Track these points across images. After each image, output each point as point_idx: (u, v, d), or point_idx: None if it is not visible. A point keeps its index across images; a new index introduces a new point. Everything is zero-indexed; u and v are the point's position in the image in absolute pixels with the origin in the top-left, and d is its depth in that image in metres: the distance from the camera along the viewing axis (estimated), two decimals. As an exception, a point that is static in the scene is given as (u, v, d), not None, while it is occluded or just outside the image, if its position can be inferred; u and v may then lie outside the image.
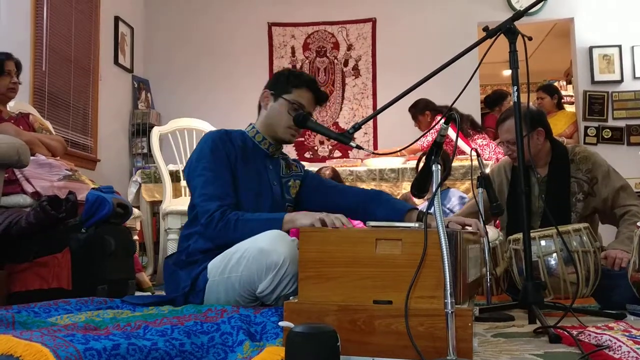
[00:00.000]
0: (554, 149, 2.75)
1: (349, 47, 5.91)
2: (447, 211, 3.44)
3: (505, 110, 2.91)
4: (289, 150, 5.34)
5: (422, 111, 4.62)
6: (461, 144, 4.19)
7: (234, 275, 1.84)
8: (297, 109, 2.10)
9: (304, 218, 1.85)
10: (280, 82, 2.15)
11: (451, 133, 4.20)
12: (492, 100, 5.53)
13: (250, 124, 2.20)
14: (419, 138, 2.50)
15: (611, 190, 2.65)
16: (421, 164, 3.32)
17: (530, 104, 3.65)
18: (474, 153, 2.46)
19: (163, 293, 2.18)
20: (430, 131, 4.20)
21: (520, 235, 2.43)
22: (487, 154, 4.35)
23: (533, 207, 2.73)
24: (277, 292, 1.78)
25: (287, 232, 1.90)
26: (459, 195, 3.58)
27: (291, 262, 1.75)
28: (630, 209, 2.61)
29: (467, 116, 4.54)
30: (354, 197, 2.19)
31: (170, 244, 3.70)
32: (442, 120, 1.66)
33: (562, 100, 5.86)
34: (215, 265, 1.90)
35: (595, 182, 2.67)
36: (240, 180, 2.03)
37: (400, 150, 2.18)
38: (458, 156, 4.04)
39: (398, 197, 3.81)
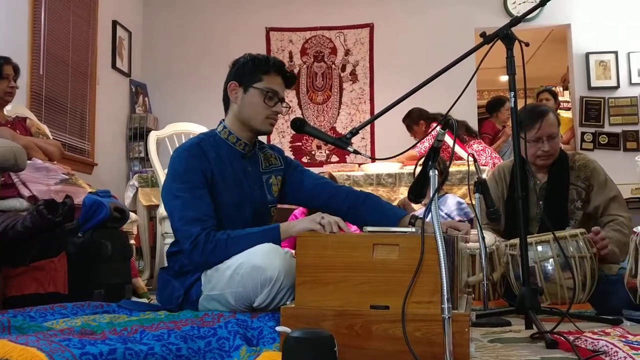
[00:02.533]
0: None
1: (347, 52, 5.92)
2: (445, 216, 3.44)
3: (537, 105, 2.84)
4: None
5: (416, 121, 4.64)
6: (458, 149, 4.20)
7: (228, 291, 1.81)
8: (272, 97, 2.01)
9: (300, 224, 1.82)
10: (246, 71, 2.02)
11: (447, 139, 4.22)
12: (491, 106, 5.54)
13: (221, 122, 2.10)
14: (416, 143, 2.51)
15: (604, 199, 2.66)
16: (419, 168, 3.32)
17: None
18: (470, 158, 2.46)
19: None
20: (427, 137, 4.21)
21: (516, 241, 2.44)
22: (483, 159, 4.36)
23: (531, 213, 2.73)
24: (274, 304, 1.78)
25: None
26: (457, 200, 3.58)
27: (286, 275, 1.73)
28: (617, 218, 2.63)
29: (462, 122, 4.54)
30: (343, 198, 2.11)
31: (167, 249, 3.69)
32: (439, 127, 1.66)
33: (560, 106, 5.89)
34: (207, 281, 1.86)
35: (591, 189, 2.68)
36: (219, 194, 1.95)
37: (397, 155, 2.17)
38: (455, 161, 4.05)
39: (395, 202, 3.82)
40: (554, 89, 6.23)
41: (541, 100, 5.34)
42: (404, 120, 4.72)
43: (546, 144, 2.65)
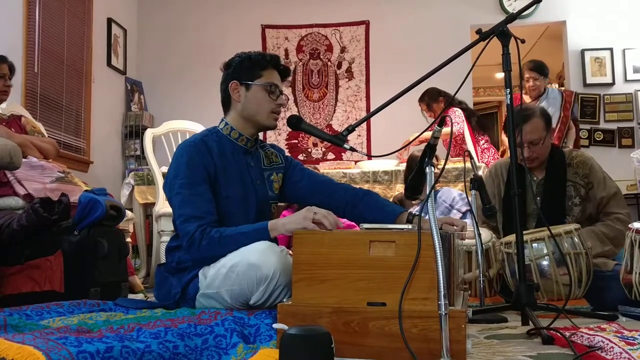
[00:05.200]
0: (550, 152, 2.77)
1: (343, 50, 5.92)
2: (449, 207, 3.43)
3: (524, 109, 2.77)
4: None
5: (435, 99, 4.46)
6: (468, 139, 4.24)
7: (224, 289, 1.82)
8: (274, 91, 2.05)
9: (289, 223, 1.79)
10: (245, 69, 2.06)
11: (466, 132, 4.25)
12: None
13: (222, 120, 2.12)
14: (411, 142, 2.50)
15: (605, 196, 2.67)
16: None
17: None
18: (467, 155, 2.47)
19: (154, 299, 2.15)
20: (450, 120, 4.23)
21: (511, 238, 2.44)
22: (486, 157, 4.36)
23: (528, 209, 2.74)
24: (270, 301, 1.78)
25: (275, 239, 1.88)
26: (458, 192, 3.57)
27: (282, 273, 1.73)
28: (616, 215, 2.65)
29: (477, 113, 4.55)
30: (342, 196, 2.12)
31: (163, 247, 3.68)
32: (437, 124, 1.66)
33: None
34: (204, 278, 1.87)
35: (591, 187, 2.70)
36: (223, 188, 1.98)
37: (395, 152, 2.16)
38: (451, 158, 4.05)
39: (391, 199, 3.82)
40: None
41: (527, 79, 4.50)
42: (423, 98, 4.51)
43: (526, 150, 2.65)
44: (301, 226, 1.73)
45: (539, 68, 4.49)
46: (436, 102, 4.47)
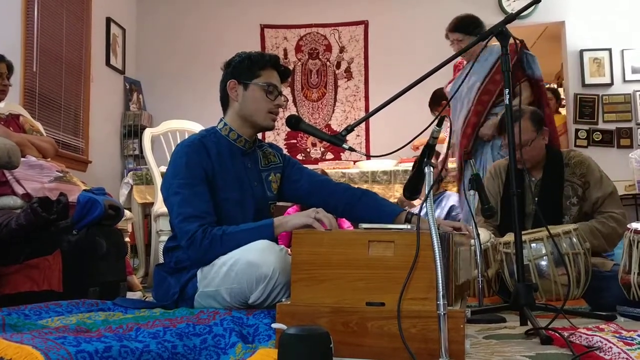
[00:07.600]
0: (548, 153, 2.77)
1: (342, 50, 5.92)
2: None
3: (515, 110, 2.74)
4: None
5: (438, 103, 4.42)
6: None
7: (224, 287, 1.81)
8: (272, 91, 2.04)
9: (295, 219, 1.81)
10: (244, 68, 2.05)
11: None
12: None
13: (221, 120, 2.11)
14: (414, 139, 2.48)
15: (601, 195, 2.68)
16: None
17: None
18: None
19: (152, 298, 2.14)
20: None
21: (509, 238, 2.45)
22: None
23: (526, 210, 2.74)
24: (269, 300, 1.78)
25: (276, 238, 1.89)
26: (451, 205, 3.56)
27: (281, 272, 1.73)
28: (610, 213, 2.65)
29: None
30: (340, 195, 2.12)
31: (162, 246, 3.67)
32: (435, 123, 1.66)
33: (561, 105, 5.85)
34: (203, 278, 1.87)
35: (587, 186, 2.70)
36: (221, 190, 1.97)
37: (394, 152, 2.16)
38: (450, 159, 4.05)
39: (391, 199, 3.82)
40: (552, 86, 6.20)
41: (452, 43, 3.79)
42: (429, 105, 4.48)
43: (517, 152, 2.64)
44: (304, 223, 1.76)
45: (463, 27, 3.40)
46: (440, 106, 4.44)
